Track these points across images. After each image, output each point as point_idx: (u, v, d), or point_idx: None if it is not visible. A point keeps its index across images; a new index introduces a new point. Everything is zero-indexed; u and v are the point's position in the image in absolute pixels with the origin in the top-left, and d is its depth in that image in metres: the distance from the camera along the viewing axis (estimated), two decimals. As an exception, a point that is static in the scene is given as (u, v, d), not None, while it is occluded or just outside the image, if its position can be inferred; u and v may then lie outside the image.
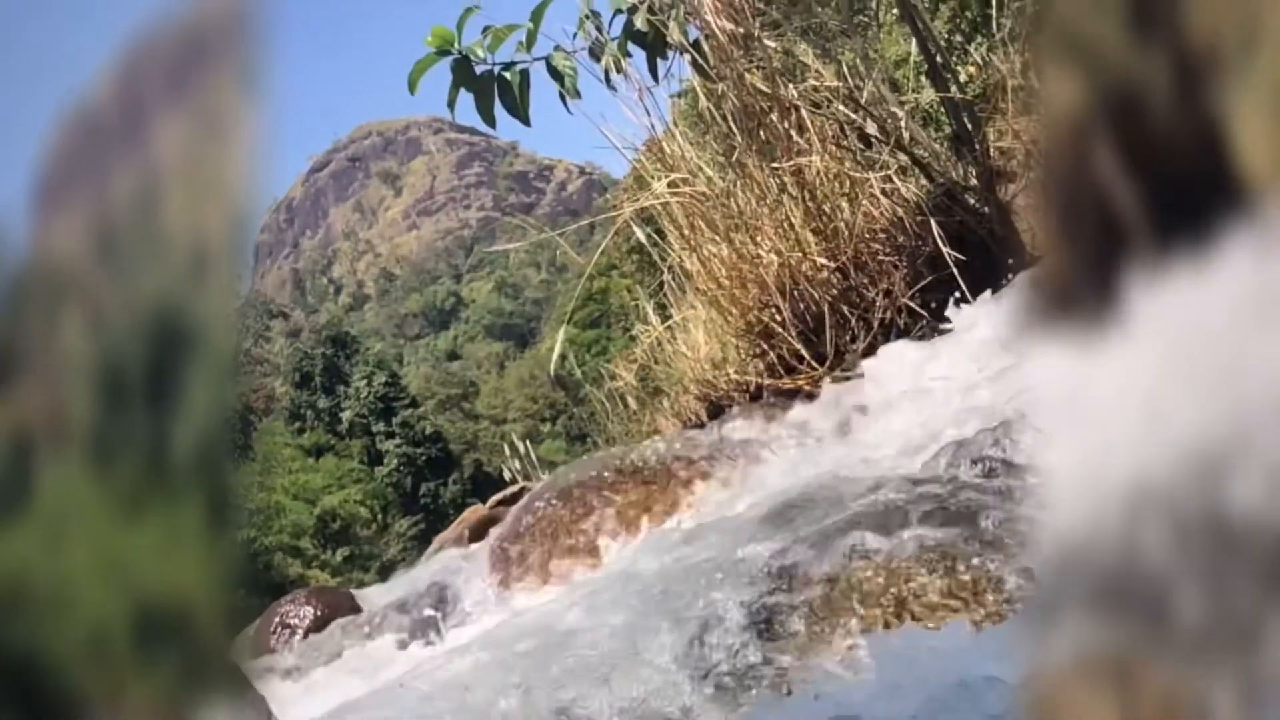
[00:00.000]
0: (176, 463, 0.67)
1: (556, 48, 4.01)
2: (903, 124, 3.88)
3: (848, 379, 3.41)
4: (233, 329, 0.73)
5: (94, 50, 0.69)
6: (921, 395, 2.84)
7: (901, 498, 2.10)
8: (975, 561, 1.77)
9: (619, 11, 3.98)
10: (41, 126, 0.70)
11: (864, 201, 3.74)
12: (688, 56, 3.86)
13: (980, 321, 3.06)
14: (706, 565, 2.12)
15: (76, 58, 0.70)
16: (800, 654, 1.80)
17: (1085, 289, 0.55)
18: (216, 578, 0.67)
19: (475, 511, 5.91)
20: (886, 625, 1.75)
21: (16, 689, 0.61)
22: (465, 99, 4.02)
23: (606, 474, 3.05)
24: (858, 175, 3.77)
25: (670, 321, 4.84)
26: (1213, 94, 0.54)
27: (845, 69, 3.93)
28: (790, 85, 3.77)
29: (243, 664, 2.95)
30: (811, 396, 3.52)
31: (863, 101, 3.86)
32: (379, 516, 52.15)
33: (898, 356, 3.24)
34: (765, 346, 3.81)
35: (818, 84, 3.87)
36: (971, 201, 3.81)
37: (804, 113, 3.75)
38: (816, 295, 3.66)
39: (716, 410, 4.05)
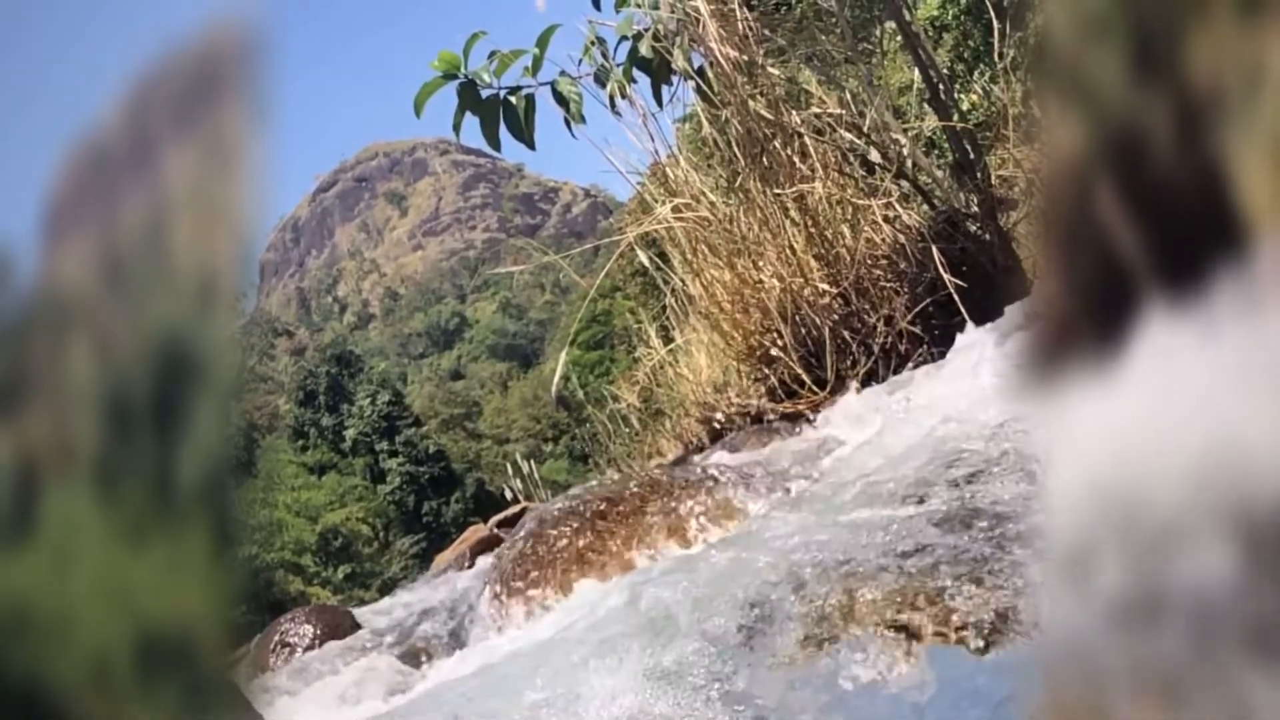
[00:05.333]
0: (181, 490, 0.67)
1: (562, 73, 4.03)
2: (905, 151, 3.89)
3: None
4: (238, 357, 0.73)
5: (103, 80, 0.70)
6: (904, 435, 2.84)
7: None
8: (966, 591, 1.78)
9: (624, 38, 4.01)
10: (50, 155, 0.71)
11: (866, 228, 3.76)
12: (692, 83, 3.88)
13: (975, 357, 3.07)
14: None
15: (85, 88, 0.71)
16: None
17: (1085, 330, 0.55)
18: (220, 604, 0.67)
19: (476, 531, 5.90)
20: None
21: (19, 715, 0.61)
22: (471, 122, 4.05)
23: (613, 499, 3.05)
24: (860, 202, 3.78)
25: (673, 344, 4.85)
26: (1214, 137, 0.54)
27: (848, 96, 3.95)
28: (794, 112, 3.79)
29: (242, 684, 2.94)
30: (811, 420, 3.52)
31: (865, 129, 3.87)
32: (381, 534, 52.12)
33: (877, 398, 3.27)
34: (766, 371, 3.81)
35: (821, 111, 3.88)
36: (973, 229, 3.82)
37: (807, 139, 3.76)
38: (818, 320, 3.67)
39: (717, 433, 4.05)
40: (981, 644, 1.66)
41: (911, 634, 1.74)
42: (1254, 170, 0.52)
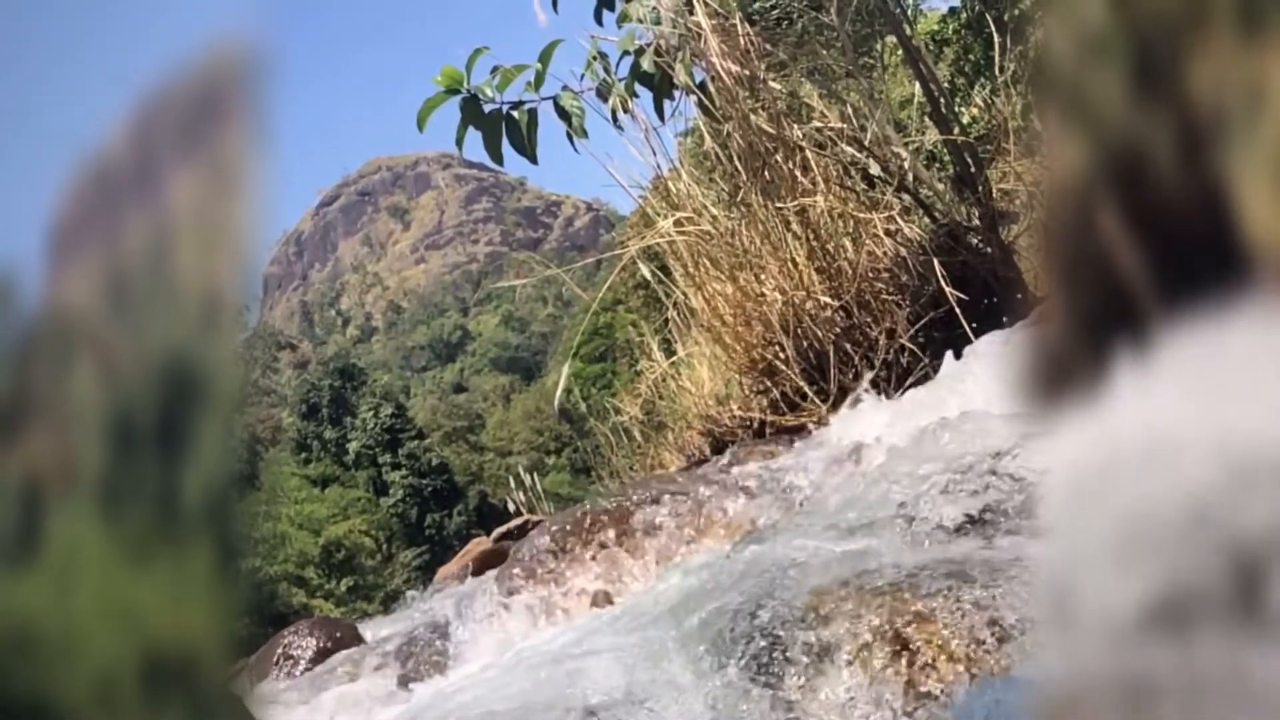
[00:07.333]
0: (185, 508, 0.67)
1: (564, 88, 4.05)
2: (906, 165, 3.90)
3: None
4: (241, 375, 0.74)
5: (107, 101, 0.71)
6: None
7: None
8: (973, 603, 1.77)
9: (626, 53, 4.02)
10: (55, 177, 0.71)
11: (867, 241, 3.76)
12: (694, 97, 3.90)
13: (978, 372, 3.08)
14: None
15: (88, 109, 0.71)
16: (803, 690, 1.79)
17: (1086, 349, 0.55)
18: (224, 619, 0.67)
19: (479, 544, 5.89)
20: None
21: (22, 736, 0.61)
22: (474, 136, 4.06)
23: (615, 512, 3.05)
24: (861, 215, 3.79)
25: (675, 357, 4.86)
26: (1215, 156, 0.54)
27: (850, 110, 3.96)
28: (795, 126, 3.80)
29: (246, 698, 2.94)
30: (813, 432, 3.52)
31: (867, 142, 3.88)
32: (384, 547, 52.07)
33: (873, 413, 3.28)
34: (769, 383, 3.81)
35: (822, 125, 3.90)
36: (974, 242, 3.83)
37: (808, 153, 3.77)
38: (820, 333, 3.67)
39: (719, 445, 4.05)
40: (983, 658, 1.66)
41: (912, 649, 1.74)
42: (1255, 190, 0.53)
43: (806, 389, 3.67)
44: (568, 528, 3.05)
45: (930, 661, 1.70)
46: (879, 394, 3.50)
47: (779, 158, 3.75)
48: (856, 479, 2.88)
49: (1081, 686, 0.54)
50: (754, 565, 2.23)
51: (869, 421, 3.28)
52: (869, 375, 3.59)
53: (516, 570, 3.00)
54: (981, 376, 3.06)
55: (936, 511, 2.26)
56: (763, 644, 1.88)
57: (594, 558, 2.95)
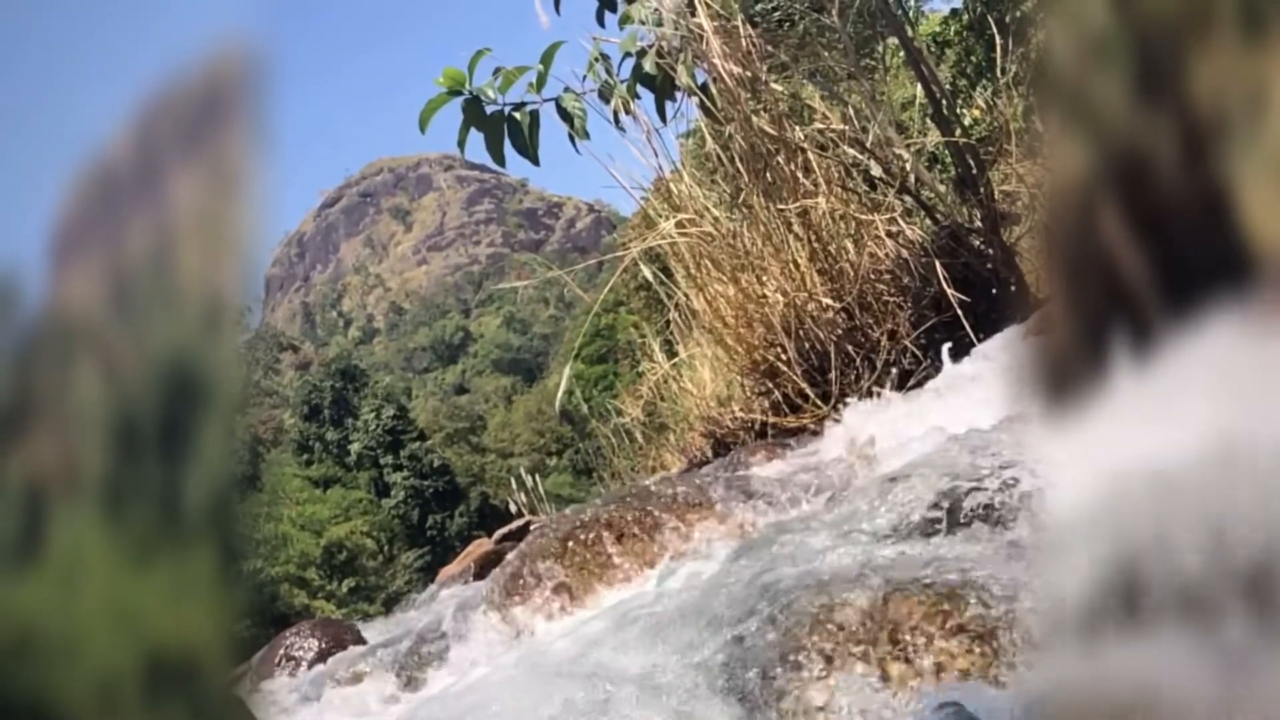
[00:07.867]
0: (187, 510, 0.67)
1: (566, 89, 4.05)
2: (908, 166, 3.90)
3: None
4: (243, 376, 0.74)
5: (110, 104, 0.71)
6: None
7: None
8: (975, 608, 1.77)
9: (628, 54, 4.02)
10: (57, 180, 0.71)
11: (869, 242, 3.76)
12: (695, 99, 3.89)
13: (981, 375, 3.07)
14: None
15: (91, 112, 0.71)
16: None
17: (1090, 353, 0.55)
18: (225, 621, 0.67)
19: (480, 545, 5.90)
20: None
21: (24, 738, 0.61)
22: (476, 138, 4.06)
23: (617, 513, 3.04)
24: (863, 216, 3.79)
25: (677, 359, 4.87)
26: (1218, 159, 0.54)
27: (851, 112, 3.97)
28: (797, 127, 3.80)
29: (248, 700, 2.93)
30: (816, 434, 3.52)
31: (868, 144, 3.88)
32: (385, 548, 52.09)
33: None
34: (770, 385, 3.81)
35: (824, 126, 3.90)
36: (976, 243, 3.83)
37: (810, 154, 3.77)
38: (821, 335, 3.67)
39: (721, 447, 4.06)
40: (988, 666, 1.66)
41: (920, 656, 1.73)
42: (1257, 192, 0.52)
43: (808, 390, 3.67)
44: (574, 552, 3.01)
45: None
46: (882, 395, 3.50)
47: (781, 159, 3.75)
48: (855, 480, 2.87)
49: (1105, 702, 0.54)
50: (774, 574, 2.22)
51: (877, 423, 3.27)
52: (873, 377, 3.59)
53: (518, 606, 2.96)
54: (987, 379, 3.06)
55: (936, 514, 2.25)
56: (769, 646, 1.88)
57: (591, 562, 2.93)
